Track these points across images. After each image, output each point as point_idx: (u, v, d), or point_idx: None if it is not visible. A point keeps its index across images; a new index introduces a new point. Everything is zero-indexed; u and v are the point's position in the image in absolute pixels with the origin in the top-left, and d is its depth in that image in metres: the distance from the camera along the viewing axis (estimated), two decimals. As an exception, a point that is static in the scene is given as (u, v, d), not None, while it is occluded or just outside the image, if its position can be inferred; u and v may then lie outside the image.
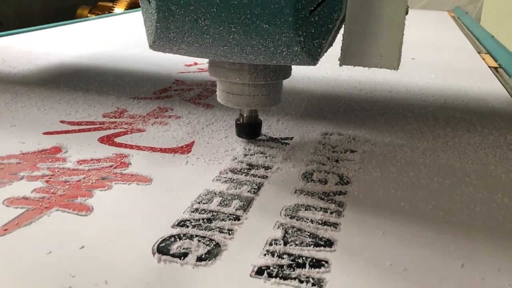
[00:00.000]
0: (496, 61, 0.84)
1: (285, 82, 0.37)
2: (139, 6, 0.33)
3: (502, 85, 0.62)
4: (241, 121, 0.38)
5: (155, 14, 0.28)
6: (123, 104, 0.47)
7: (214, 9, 0.27)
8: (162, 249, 0.24)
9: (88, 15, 1.77)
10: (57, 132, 0.39)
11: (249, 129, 0.38)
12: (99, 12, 1.77)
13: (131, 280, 0.22)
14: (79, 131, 0.40)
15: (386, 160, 0.36)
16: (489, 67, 0.75)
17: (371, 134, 0.42)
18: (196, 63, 0.66)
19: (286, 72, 0.34)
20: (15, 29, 0.87)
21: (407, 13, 0.29)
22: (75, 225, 0.26)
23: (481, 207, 0.30)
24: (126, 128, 0.41)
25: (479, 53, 0.86)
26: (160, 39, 0.30)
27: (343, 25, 0.30)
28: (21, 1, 1.79)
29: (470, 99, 0.54)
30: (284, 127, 0.42)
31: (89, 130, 0.40)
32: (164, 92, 0.52)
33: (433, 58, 0.77)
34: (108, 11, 1.75)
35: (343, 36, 0.30)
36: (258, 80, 0.33)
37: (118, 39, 0.83)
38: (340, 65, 0.31)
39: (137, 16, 1.15)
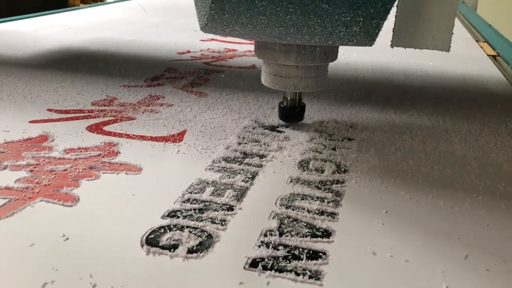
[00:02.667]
0: (494, 49, 0.83)
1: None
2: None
3: (501, 72, 0.61)
4: (285, 103, 0.37)
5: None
6: (113, 92, 0.46)
7: None
8: (151, 240, 0.23)
9: (80, 4, 1.75)
10: (44, 121, 0.38)
11: (292, 112, 0.37)
12: (91, 1, 1.74)
13: (118, 273, 0.21)
14: (67, 119, 0.38)
15: (385, 148, 0.35)
16: (488, 55, 0.74)
17: (369, 121, 0.40)
18: (189, 51, 0.64)
19: (334, 54, 0.33)
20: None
21: None
22: (59, 216, 0.25)
23: (483, 196, 0.29)
24: (115, 116, 0.39)
25: (477, 41, 0.85)
26: (214, 20, 0.28)
27: (396, 6, 0.28)
28: (12, -10, 1.75)
29: (469, 87, 0.53)
30: (274, 115, 0.41)
31: (77, 118, 0.39)
32: (156, 80, 0.50)
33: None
34: (100, 0, 1.72)
35: (395, 18, 0.29)
36: (308, 62, 0.32)
37: (111, 26, 0.82)
38: (392, 46, 0.30)
39: (130, 5, 1.13)
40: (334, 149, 0.35)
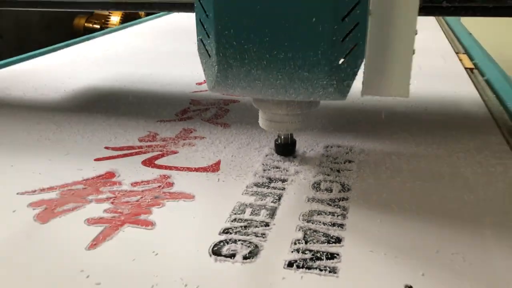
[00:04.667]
0: (472, 60, 0.93)
1: (293, 108, 0.45)
2: (134, 14, 0.41)
3: (475, 87, 0.71)
4: (279, 141, 0.46)
5: (216, 67, 0.36)
6: (153, 127, 0.55)
7: (264, 62, 0.34)
8: (216, 251, 0.33)
9: (86, 24, 1.84)
10: (106, 158, 0.48)
11: (286, 148, 0.46)
12: (95, 21, 1.83)
13: (198, 277, 0.31)
14: (124, 155, 0.48)
15: (378, 168, 0.45)
16: (466, 68, 0.84)
17: (365, 144, 0.50)
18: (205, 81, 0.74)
19: (316, 104, 0.43)
20: (15, 42, 0.94)
21: (414, 52, 0.37)
22: (145, 237, 0.35)
23: (452, 205, 0.39)
24: (161, 151, 0.49)
25: (457, 53, 0.95)
26: (220, 85, 0.37)
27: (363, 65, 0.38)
28: (19, 13, 1.85)
29: (447, 104, 0.63)
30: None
31: (131, 154, 0.48)
32: (185, 114, 0.60)
33: (417, 62, 0.85)
34: (104, 19, 1.81)
35: (363, 73, 0.38)
36: (295, 111, 0.42)
37: (127, 58, 0.91)
38: (362, 95, 0.38)
39: (135, 30, 1.22)
40: (338, 171, 0.44)
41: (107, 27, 1.76)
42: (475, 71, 0.83)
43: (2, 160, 0.47)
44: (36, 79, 0.77)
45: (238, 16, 0.33)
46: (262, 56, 0.34)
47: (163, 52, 0.95)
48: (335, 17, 0.32)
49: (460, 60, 0.89)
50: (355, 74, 0.35)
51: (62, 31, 2.03)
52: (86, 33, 1.90)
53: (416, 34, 0.34)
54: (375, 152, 0.48)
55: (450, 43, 1.02)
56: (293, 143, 0.47)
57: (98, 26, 1.85)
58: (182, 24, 1.25)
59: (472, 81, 0.74)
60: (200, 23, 0.36)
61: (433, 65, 0.83)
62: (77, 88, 0.72)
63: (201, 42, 0.36)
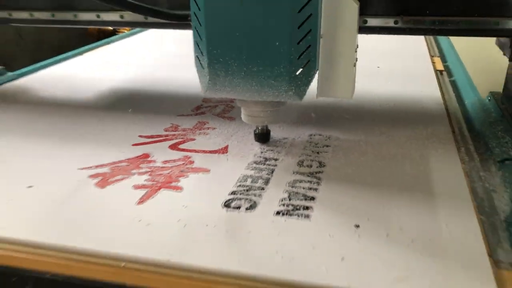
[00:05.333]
0: (445, 62, 1.07)
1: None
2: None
3: (440, 87, 0.85)
4: (257, 131, 0.61)
5: (207, 76, 0.50)
6: (174, 120, 0.70)
7: (242, 73, 0.49)
8: (227, 204, 0.47)
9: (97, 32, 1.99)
10: (141, 144, 0.62)
11: (262, 136, 0.61)
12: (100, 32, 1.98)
13: (214, 220, 0.45)
14: (154, 142, 0.63)
15: (348, 151, 0.59)
16: (436, 70, 0.98)
17: (340, 133, 0.64)
18: (214, 82, 0.88)
19: (284, 103, 0.57)
20: (32, 43, 1.08)
21: (355, 64, 0.51)
22: (176, 197, 0.49)
23: (400, 177, 0.53)
24: (183, 138, 0.63)
25: (432, 56, 1.09)
26: (210, 90, 0.52)
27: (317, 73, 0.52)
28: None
29: (411, 102, 0.76)
30: (284, 131, 0.65)
31: (160, 141, 0.63)
32: (199, 109, 0.74)
33: (393, 65, 0.99)
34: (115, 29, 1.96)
35: (317, 79, 0.52)
36: (269, 108, 0.56)
37: (142, 61, 1.06)
38: (317, 97, 0.53)
39: (155, 34, 1.36)
40: (318, 153, 0.59)
41: (119, 31, 1.90)
42: (444, 72, 0.96)
43: (62, 146, 0.62)
44: (70, 80, 0.92)
45: (223, 41, 0.47)
46: (241, 69, 0.48)
47: (178, 56, 1.09)
48: (292, 41, 0.46)
49: (433, 62, 1.03)
50: (309, 82, 0.49)
51: (75, 30, 2.18)
52: (100, 33, 2.04)
53: (356, 51, 0.48)
54: (348, 139, 0.62)
55: (428, 47, 1.16)
56: (268, 132, 0.61)
57: (111, 28, 1.99)
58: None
59: (438, 82, 0.88)
60: (196, 44, 0.50)
61: (406, 67, 0.97)
62: (106, 88, 0.86)
63: (197, 58, 0.51)
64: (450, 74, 0.97)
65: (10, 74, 0.98)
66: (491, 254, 0.41)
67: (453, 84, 0.91)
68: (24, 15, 0.75)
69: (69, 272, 0.41)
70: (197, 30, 0.49)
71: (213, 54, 0.48)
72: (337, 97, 0.52)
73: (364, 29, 0.63)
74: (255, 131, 0.61)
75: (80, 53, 1.14)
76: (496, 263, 0.40)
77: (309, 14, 0.46)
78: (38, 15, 0.74)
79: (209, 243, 0.42)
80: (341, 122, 0.68)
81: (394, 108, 0.74)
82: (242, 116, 0.59)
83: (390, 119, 0.69)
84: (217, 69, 0.49)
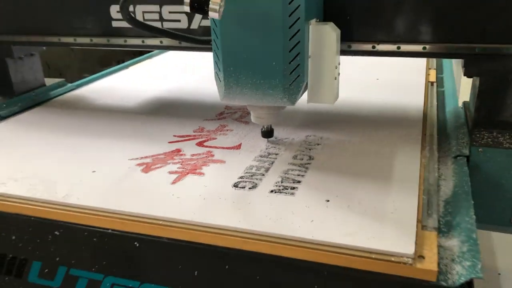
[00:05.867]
0: (441, 74, 1.21)
1: (287, 107, 0.77)
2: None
3: (425, 96, 1.00)
4: (263, 129, 0.78)
5: (223, 87, 0.68)
6: (201, 124, 0.88)
7: (249, 85, 0.67)
8: (235, 185, 0.65)
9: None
10: (175, 141, 0.80)
11: (267, 133, 0.78)
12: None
13: (226, 195, 0.63)
14: (185, 140, 0.81)
15: (334, 148, 0.76)
16: (428, 81, 1.12)
17: (331, 135, 0.81)
18: (236, 92, 1.06)
19: (282, 108, 0.74)
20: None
21: (337, 78, 0.68)
22: (200, 180, 0.67)
23: (371, 168, 0.69)
24: (207, 137, 0.81)
25: (429, 68, 1.23)
26: (226, 97, 0.69)
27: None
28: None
29: (396, 109, 0.92)
30: (287, 132, 0.82)
31: (189, 139, 0.81)
32: (221, 115, 0.92)
33: (391, 77, 1.15)
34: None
35: (307, 88, 0.69)
36: (272, 111, 0.73)
37: (180, 75, 1.25)
38: (307, 103, 0.70)
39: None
40: (310, 149, 0.76)
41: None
42: (435, 84, 1.11)
43: (115, 142, 0.81)
44: (119, 91, 1.12)
45: (234, 61, 0.65)
46: (247, 81, 0.66)
47: (205, 68, 1.28)
48: (284, 61, 0.63)
49: (428, 74, 1.17)
50: (299, 91, 0.67)
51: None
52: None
53: (337, 67, 0.65)
54: (336, 140, 0.79)
55: (428, 60, 1.30)
56: (271, 130, 0.78)
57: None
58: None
59: (425, 92, 1.02)
60: (215, 62, 0.68)
61: (402, 79, 1.12)
62: (148, 97, 1.06)
63: (216, 73, 0.69)
64: (441, 85, 1.12)
65: (69, 85, 1.19)
66: (421, 220, 0.57)
67: (441, 93, 1.06)
68: (85, 40, 0.95)
69: (124, 228, 0.59)
70: (216, 53, 0.67)
71: (227, 71, 0.66)
72: (322, 103, 0.69)
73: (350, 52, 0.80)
74: (261, 129, 0.78)
75: (126, 67, 1.35)
76: (422, 227, 0.56)
77: (297, 41, 0.64)
78: (96, 40, 0.94)
79: (220, 210, 0.60)
80: (333, 126, 0.85)
81: (379, 114, 0.90)
82: (252, 118, 0.76)
83: (374, 123, 0.85)
84: (230, 82, 0.67)
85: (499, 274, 1.15)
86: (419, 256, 0.50)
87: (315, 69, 0.67)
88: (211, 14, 0.60)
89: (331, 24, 0.66)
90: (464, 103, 0.91)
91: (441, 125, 0.86)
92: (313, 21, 0.66)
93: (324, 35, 0.66)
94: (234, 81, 0.67)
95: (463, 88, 0.99)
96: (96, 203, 0.62)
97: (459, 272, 0.49)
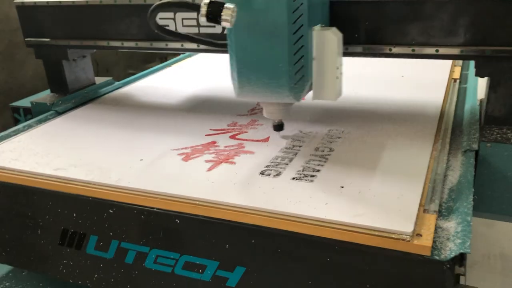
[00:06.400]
0: (467, 70, 1.25)
1: (314, 103, 0.85)
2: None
3: (446, 93, 1.06)
4: (274, 123, 0.86)
5: (237, 85, 0.78)
6: (235, 118, 0.98)
7: (260, 83, 0.75)
8: (262, 173, 0.74)
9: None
10: (211, 134, 0.91)
11: (278, 127, 0.86)
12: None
13: (255, 180, 0.72)
14: (220, 133, 0.91)
15: (353, 141, 0.84)
16: (451, 78, 1.17)
17: (352, 129, 0.89)
18: (267, 89, 1.15)
19: (291, 104, 0.82)
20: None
21: (338, 77, 0.76)
22: (232, 168, 0.77)
23: (385, 159, 0.77)
24: (239, 131, 0.91)
25: (455, 66, 1.28)
26: (240, 94, 0.78)
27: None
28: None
29: (417, 106, 0.99)
30: (312, 127, 0.91)
31: (223, 132, 0.91)
32: (253, 111, 1.02)
33: (416, 73, 1.20)
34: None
35: (312, 86, 0.78)
36: (281, 107, 0.82)
37: (217, 74, 1.35)
38: (313, 99, 0.78)
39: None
40: (331, 142, 0.84)
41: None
42: (458, 80, 1.16)
43: (159, 135, 0.92)
44: (160, 89, 1.23)
45: (247, 63, 0.74)
46: (258, 81, 0.75)
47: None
48: (289, 64, 0.72)
49: (452, 71, 1.22)
50: (304, 89, 0.75)
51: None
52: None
53: (338, 68, 0.74)
54: (356, 133, 0.87)
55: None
56: (282, 124, 0.85)
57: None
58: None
59: (447, 89, 1.08)
60: (231, 64, 0.77)
61: (426, 75, 1.18)
62: (188, 94, 1.16)
63: (231, 73, 0.78)
64: (465, 82, 1.17)
65: (117, 83, 1.31)
66: (423, 204, 0.64)
67: (463, 90, 1.11)
68: (131, 44, 1.06)
69: (166, 207, 0.70)
70: (231, 56, 0.77)
71: (241, 71, 0.76)
72: (326, 99, 0.78)
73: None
74: (273, 123, 0.86)
75: (169, 65, 1.47)
76: (424, 210, 0.63)
77: (301, 46, 0.73)
78: (141, 44, 1.05)
79: (248, 193, 0.69)
80: (355, 120, 0.93)
81: (399, 110, 0.97)
82: (264, 113, 0.84)
83: (394, 119, 0.92)
84: (243, 81, 0.77)
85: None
86: (417, 234, 0.58)
87: (318, 69, 0.76)
88: (224, 23, 0.70)
89: (334, 29, 0.75)
90: (481, 100, 0.96)
91: (457, 121, 0.92)
92: (317, 27, 0.75)
93: (326, 40, 0.75)
94: (246, 81, 0.76)
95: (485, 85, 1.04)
96: (143, 186, 0.73)
97: (451, 248, 0.57)
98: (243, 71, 0.76)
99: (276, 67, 0.73)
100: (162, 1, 0.75)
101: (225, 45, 0.80)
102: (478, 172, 0.77)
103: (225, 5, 0.69)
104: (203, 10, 0.70)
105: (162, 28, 0.80)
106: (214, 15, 0.69)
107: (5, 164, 0.83)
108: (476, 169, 0.76)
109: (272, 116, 0.84)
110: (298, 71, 0.74)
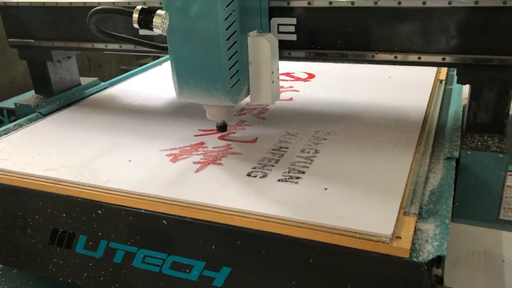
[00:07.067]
0: (452, 72, 1.27)
1: (301, 105, 0.87)
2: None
3: (431, 95, 1.07)
4: (218, 124, 0.87)
5: (177, 88, 0.80)
6: (223, 119, 0.99)
7: (198, 87, 0.78)
8: (248, 174, 0.76)
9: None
10: (200, 135, 0.92)
11: (221, 128, 0.88)
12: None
13: (240, 182, 0.74)
14: (208, 134, 0.92)
15: (339, 143, 0.85)
16: (439, 80, 1.19)
17: (338, 130, 0.90)
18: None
19: (232, 106, 0.83)
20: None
21: (273, 81, 0.78)
22: (219, 169, 0.78)
23: (367, 161, 0.79)
24: (228, 131, 0.93)
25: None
26: (180, 96, 0.81)
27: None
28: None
29: (402, 108, 1.00)
30: (298, 128, 0.92)
31: (211, 133, 0.93)
32: (242, 111, 1.03)
33: (402, 74, 1.22)
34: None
35: (250, 90, 0.80)
36: (223, 109, 0.84)
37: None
38: (251, 102, 0.81)
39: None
40: (317, 143, 0.86)
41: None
42: (444, 82, 1.18)
43: (147, 136, 0.93)
44: (148, 90, 1.24)
45: (184, 67, 0.77)
46: (197, 84, 0.78)
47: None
48: (224, 68, 0.75)
49: (439, 72, 1.24)
50: (240, 93, 0.78)
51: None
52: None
53: (273, 72, 0.77)
54: (341, 134, 0.89)
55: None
56: (225, 125, 0.87)
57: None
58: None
59: (432, 90, 1.10)
60: (171, 67, 0.79)
61: (412, 76, 1.19)
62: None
63: (172, 77, 0.80)
64: (451, 83, 1.19)
65: (102, 84, 1.30)
66: (404, 207, 0.66)
67: (449, 92, 1.13)
68: (115, 46, 1.06)
69: (154, 209, 0.71)
70: (171, 59, 0.79)
71: (180, 75, 0.78)
72: (262, 102, 0.82)
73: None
74: (216, 124, 0.88)
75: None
76: (404, 213, 0.65)
77: (235, 51, 0.75)
78: (125, 47, 1.05)
79: (234, 195, 0.71)
80: (340, 122, 0.94)
81: (385, 112, 0.98)
82: (207, 114, 0.86)
83: (379, 121, 0.94)
84: (182, 84, 0.79)
85: (503, 261, 1.23)
86: (396, 236, 0.60)
87: (254, 74, 0.79)
88: (155, 30, 0.73)
89: (268, 35, 0.78)
90: (464, 106, 0.98)
91: (440, 124, 0.94)
92: (253, 33, 0.78)
93: (260, 45, 0.77)
94: (185, 84, 0.79)
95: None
96: (132, 187, 0.74)
97: (429, 250, 0.58)
98: (182, 75, 0.78)
99: (213, 72, 0.76)
100: (98, 7, 0.80)
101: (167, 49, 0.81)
102: (459, 179, 0.79)
103: (157, 12, 0.72)
104: (135, 17, 0.73)
105: (103, 31, 0.84)
106: (145, 21, 0.73)
107: (-5, 165, 0.85)
108: (457, 176, 0.78)
109: (214, 117, 0.86)
110: (233, 75, 0.77)
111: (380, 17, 0.83)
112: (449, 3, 0.76)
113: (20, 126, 1.03)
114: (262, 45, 0.76)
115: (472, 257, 1.21)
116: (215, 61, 0.75)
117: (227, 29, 0.74)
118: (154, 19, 0.72)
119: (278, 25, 0.88)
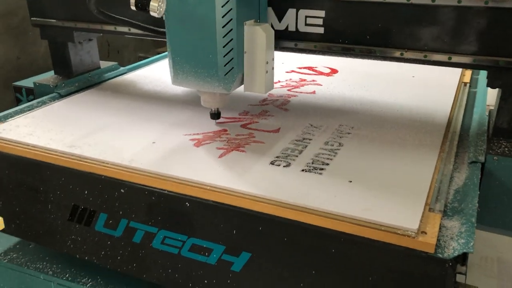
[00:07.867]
0: (478, 75, 1.25)
1: (324, 98, 0.86)
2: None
3: (455, 97, 1.07)
4: (212, 111, 0.88)
5: (172, 74, 0.80)
6: (246, 108, 0.99)
7: (193, 73, 0.78)
8: (272, 163, 0.76)
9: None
10: (222, 122, 0.92)
11: (215, 115, 0.89)
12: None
13: (264, 171, 0.74)
14: (231, 122, 0.92)
15: (362, 138, 0.85)
16: (463, 82, 1.18)
17: (361, 125, 0.90)
18: (279, 81, 1.16)
19: (226, 94, 0.84)
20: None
21: (267, 72, 0.78)
22: (243, 156, 0.78)
23: (391, 157, 0.78)
24: (250, 121, 0.92)
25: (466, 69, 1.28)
26: (174, 82, 0.81)
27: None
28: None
29: (427, 107, 1.00)
30: (322, 121, 0.92)
31: (235, 121, 0.93)
32: (264, 101, 1.03)
33: (427, 74, 1.21)
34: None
35: (244, 80, 0.80)
36: (216, 96, 0.84)
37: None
38: (244, 91, 0.81)
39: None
40: (340, 137, 0.85)
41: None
42: (468, 84, 1.17)
43: (170, 119, 0.94)
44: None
45: (180, 52, 0.77)
46: (191, 70, 0.78)
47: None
48: (219, 55, 0.75)
49: (463, 75, 1.23)
50: (233, 81, 0.78)
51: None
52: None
53: (268, 63, 0.77)
54: (365, 130, 0.88)
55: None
56: (219, 113, 0.89)
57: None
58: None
59: (456, 93, 1.09)
60: (168, 53, 0.79)
61: (436, 77, 1.18)
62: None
63: (168, 62, 0.80)
64: (475, 86, 1.18)
65: (121, 68, 1.30)
66: (429, 203, 0.66)
67: (473, 95, 1.12)
68: (138, 30, 1.06)
69: (177, 190, 0.71)
70: (168, 44, 0.79)
71: (175, 60, 0.79)
72: (255, 92, 0.81)
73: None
74: (210, 111, 0.89)
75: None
76: (429, 209, 0.65)
77: (230, 39, 0.76)
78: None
79: (257, 182, 0.71)
80: (364, 118, 0.94)
81: (409, 110, 0.98)
82: (201, 101, 0.87)
83: (402, 119, 0.93)
84: (177, 69, 0.80)
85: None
86: (422, 231, 0.60)
87: (249, 63, 0.80)
88: (152, 13, 0.74)
89: (265, 25, 0.78)
90: (490, 111, 0.97)
91: (464, 127, 0.93)
92: (250, 22, 0.78)
93: (255, 35, 0.78)
94: (180, 69, 0.80)
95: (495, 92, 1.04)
96: (156, 168, 0.75)
97: (454, 247, 0.58)
98: (177, 60, 0.79)
99: (207, 58, 0.76)
100: None
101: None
102: (483, 185, 0.78)
103: None
104: None
105: (103, 13, 0.85)
106: (142, 4, 0.75)
107: (20, 138, 0.85)
108: (481, 182, 0.77)
109: (208, 104, 0.87)
110: (227, 63, 0.77)
111: (412, 14, 0.82)
112: (486, 3, 0.75)
113: (44, 103, 1.03)
114: (257, 35, 0.77)
115: (486, 263, 1.21)
116: (210, 48, 0.76)
117: (223, 16, 0.75)
118: (151, 2, 0.74)
119: (306, 17, 0.87)
